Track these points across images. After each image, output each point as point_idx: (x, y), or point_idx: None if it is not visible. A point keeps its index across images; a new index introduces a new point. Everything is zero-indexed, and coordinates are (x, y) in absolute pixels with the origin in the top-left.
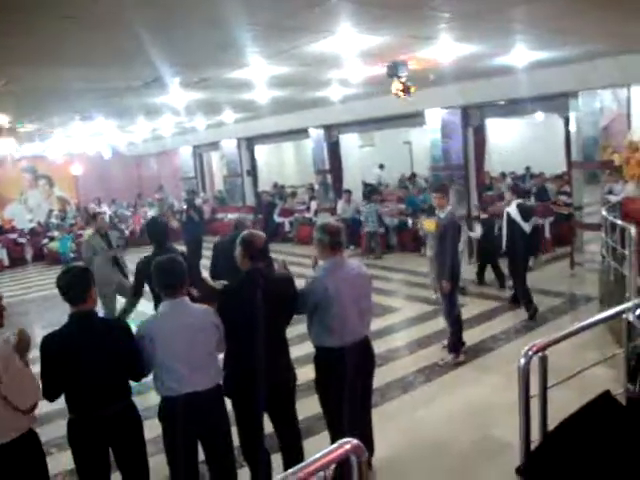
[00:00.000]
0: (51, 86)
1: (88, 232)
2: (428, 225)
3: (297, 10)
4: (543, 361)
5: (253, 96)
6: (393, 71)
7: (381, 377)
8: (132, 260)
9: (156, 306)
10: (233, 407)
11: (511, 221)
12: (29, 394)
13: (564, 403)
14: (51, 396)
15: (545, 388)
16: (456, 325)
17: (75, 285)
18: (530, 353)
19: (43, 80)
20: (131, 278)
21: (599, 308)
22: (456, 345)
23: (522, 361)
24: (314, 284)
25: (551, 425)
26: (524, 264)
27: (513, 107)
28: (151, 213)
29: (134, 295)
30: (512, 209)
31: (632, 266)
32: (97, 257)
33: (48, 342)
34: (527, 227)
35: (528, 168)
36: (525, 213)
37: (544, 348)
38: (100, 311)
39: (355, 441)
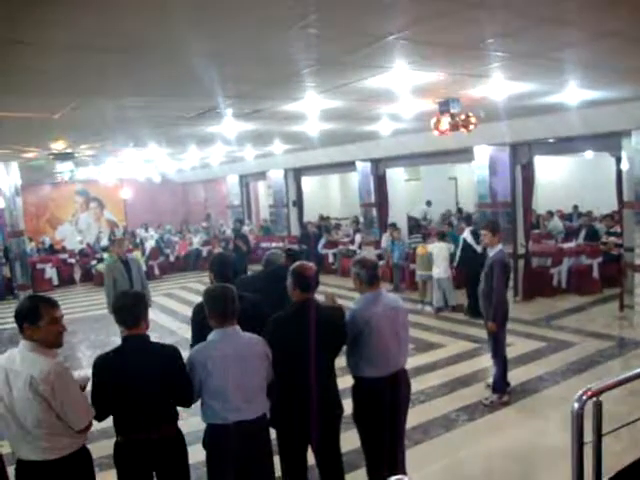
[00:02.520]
0: (110, 115)
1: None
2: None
3: (354, 47)
4: (598, 407)
5: (304, 128)
6: (445, 107)
7: (424, 414)
8: (171, 287)
9: None
10: (277, 437)
11: (467, 244)
12: (81, 416)
13: (615, 452)
14: (100, 416)
15: (600, 435)
16: (502, 365)
17: (130, 309)
18: (584, 398)
19: (103, 109)
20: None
21: None
22: (501, 385)
23: (576, 405)
24: (355, 316)
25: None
26: (475, 272)
27: (563, 145)
28: (197, 240)
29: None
30: (467, 235)
31: None
32: (117, 284)
33: (100, 363)
34: (479, 248)
35: (576, 207)
36: (476, 237)
37: (599, 393)
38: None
39: (406, 479)
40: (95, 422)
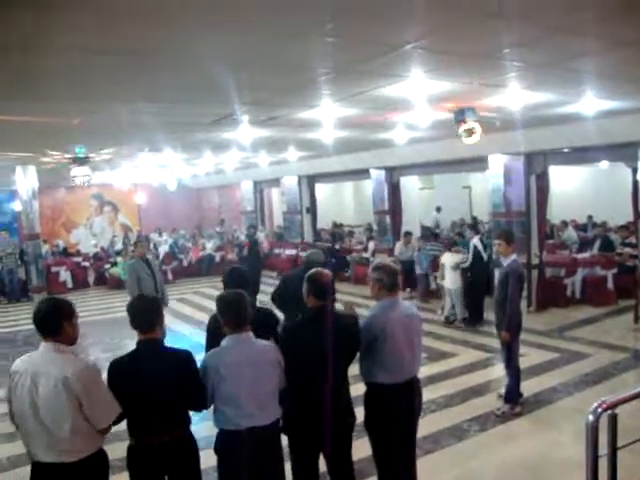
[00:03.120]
0: (125, 120)
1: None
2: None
3: (371, 55)
4: (613, 420)
5: (319, 136)
6: (460, 116)
7: (435, 423)
8: (184, 292)
9: None
10: (289, 444)
11: (477, 251)
12: (108, 415)
13: (629, 466)
14: (115, 421)
15: (615, 449)
16: (515, 375)
17: (145, 313)
18: (599, 410)
19: (118, 115)
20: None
21: None
22: (513, 395)
23: (591, 418)
24: (371, 322)
25: None
26: (482, 280)
27: (578, 155)
28: (210, 245)
29: None
30: (477, 242)
31: None
32: (142, 283)
33: (115, 368)
34: (485, 255)
35: (590, 217)
36: (484, 245)
37: (614, 406)
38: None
39: None
40: (113, 426)
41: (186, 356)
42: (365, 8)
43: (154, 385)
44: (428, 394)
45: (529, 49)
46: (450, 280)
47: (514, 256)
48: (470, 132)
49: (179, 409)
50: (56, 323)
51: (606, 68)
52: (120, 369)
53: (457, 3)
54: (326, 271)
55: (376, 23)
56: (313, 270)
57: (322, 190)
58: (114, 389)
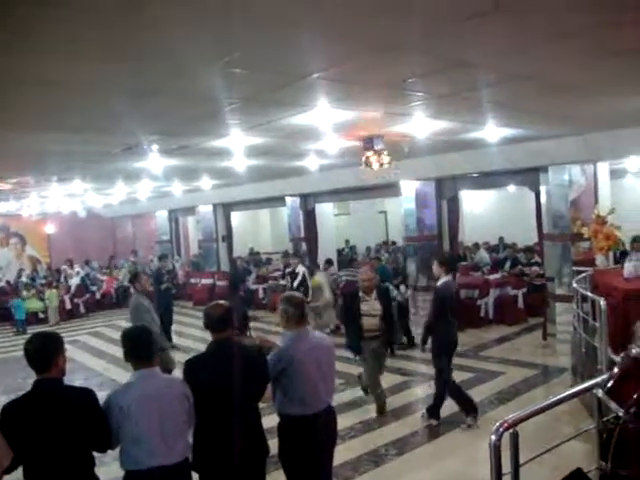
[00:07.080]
0: (29, 149)
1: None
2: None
3: (276, 85)
4: (514, 438)
5: (231, 164)
6: (369, 144)
7: (354, 450)
8: (97, 325)
9: None
10: None
11: (304, 278)
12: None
13: (537, 479)
14: (8, 468)
15: (517, 466)
16: (441, 389)
17: (41, 351)
18: (501, 430)
19: (21, 143)
20: None
21: (571, 379)
22: (436, 410)
23: (493, 438)
24: (280, 353)
25: None
26: None
27: (486, 180)
28: (120, 275)
29: None
30: (303, 268)
31: (602, 338)
32: (147, 316)
33: (9, 410)
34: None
35: (502, 238)
36: (310, 272)
37: (515, 424)
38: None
39: None
40: (6, 475)
41: (87, 395)
42: (270, 39)
43: (54, 427)
44: (346, 421)
45: (430, 80)
46: None
47: (444, 278)
48: (379, 160)
49: (81, 452)
50: None
51: (502, 99)
52: (15, 412)
53: (359, 35)
54: (221, 303)
55: (281, 54)
56: (211, 303)
57: (238, 218)
58: (8, 434)
